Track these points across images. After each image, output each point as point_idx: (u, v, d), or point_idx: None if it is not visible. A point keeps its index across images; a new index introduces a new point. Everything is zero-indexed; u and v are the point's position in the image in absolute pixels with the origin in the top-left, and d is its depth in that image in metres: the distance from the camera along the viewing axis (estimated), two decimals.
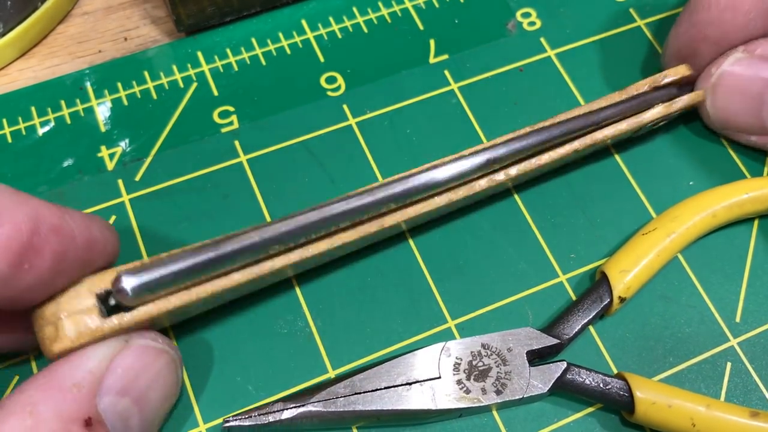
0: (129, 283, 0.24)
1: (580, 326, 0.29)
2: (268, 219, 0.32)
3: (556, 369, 0.28)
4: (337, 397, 0.27)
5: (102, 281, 0.25)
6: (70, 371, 0.23)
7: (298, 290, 0.31)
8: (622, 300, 0.30)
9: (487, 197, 0.33)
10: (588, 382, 0.28)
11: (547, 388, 0.28)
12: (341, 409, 0.27)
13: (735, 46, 0.33)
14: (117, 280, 0.25)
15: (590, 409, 0.29)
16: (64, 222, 0.24)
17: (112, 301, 0.26)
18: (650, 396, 0.27)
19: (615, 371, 0.30)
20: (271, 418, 0.27)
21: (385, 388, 0.28)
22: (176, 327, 0.30)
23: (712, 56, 0.33)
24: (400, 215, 0.29)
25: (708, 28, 0.32)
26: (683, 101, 0.33)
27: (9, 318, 0.26)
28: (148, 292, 0.25)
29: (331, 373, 0.29)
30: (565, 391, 0.28)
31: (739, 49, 0.32)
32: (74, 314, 0.25)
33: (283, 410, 0.27)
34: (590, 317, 0.29)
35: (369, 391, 0.27)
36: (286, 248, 0.27)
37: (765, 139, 0.33)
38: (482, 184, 0.30)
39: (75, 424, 0.22)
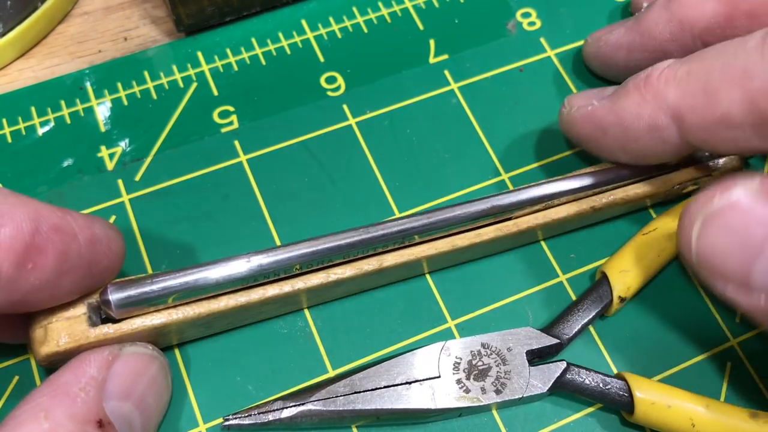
0: (114, 294, 0.25)
1: (579, 326, 0.29)
2: (268, 219, 0.32)
3: (555, 369, 0.28)
4: (336, 396, 0.27)
5: (97, 294, 0.26)
6: (73, 378, 0.24)
7: None
8: (622, 300, 0.30)
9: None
10: (588, 382, 0.28)
11: (547, 388, 0.28)
12: (341, 408, 0.27)
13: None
14: (103, 291, 0.26)
15: (590, 409, 0.29)
16: (65, 221, 0.24)
17: (104, 315, 0.26)
18: (650, 396, 0.27)
19: (615, 371, 0.30)
20: (270, 417, 0.27)
21: (385, 387, 0.28)
22: None
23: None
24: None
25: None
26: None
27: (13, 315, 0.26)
28: (132, 305, 0.26)
29: (331, 373, 0.29)
30: (564, 391, 0.28)
31: (755, 179, 0.25)
32: (64, 320, 0.25)
33: (282, 409, 0.27)
34: (590, 317, 0.29)
35: (369, 390, 0.27)
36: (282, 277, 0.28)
37: (739, 293, 0.25)
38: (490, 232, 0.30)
39: (89, 425, 0.23)
